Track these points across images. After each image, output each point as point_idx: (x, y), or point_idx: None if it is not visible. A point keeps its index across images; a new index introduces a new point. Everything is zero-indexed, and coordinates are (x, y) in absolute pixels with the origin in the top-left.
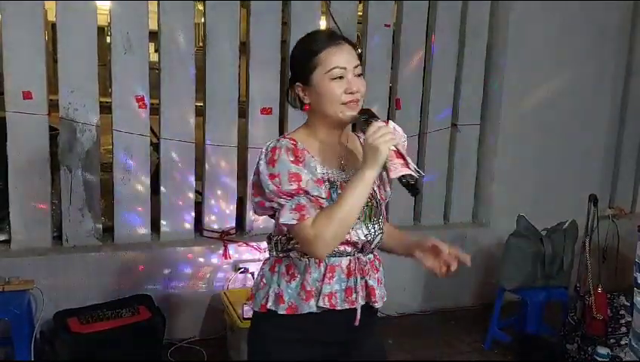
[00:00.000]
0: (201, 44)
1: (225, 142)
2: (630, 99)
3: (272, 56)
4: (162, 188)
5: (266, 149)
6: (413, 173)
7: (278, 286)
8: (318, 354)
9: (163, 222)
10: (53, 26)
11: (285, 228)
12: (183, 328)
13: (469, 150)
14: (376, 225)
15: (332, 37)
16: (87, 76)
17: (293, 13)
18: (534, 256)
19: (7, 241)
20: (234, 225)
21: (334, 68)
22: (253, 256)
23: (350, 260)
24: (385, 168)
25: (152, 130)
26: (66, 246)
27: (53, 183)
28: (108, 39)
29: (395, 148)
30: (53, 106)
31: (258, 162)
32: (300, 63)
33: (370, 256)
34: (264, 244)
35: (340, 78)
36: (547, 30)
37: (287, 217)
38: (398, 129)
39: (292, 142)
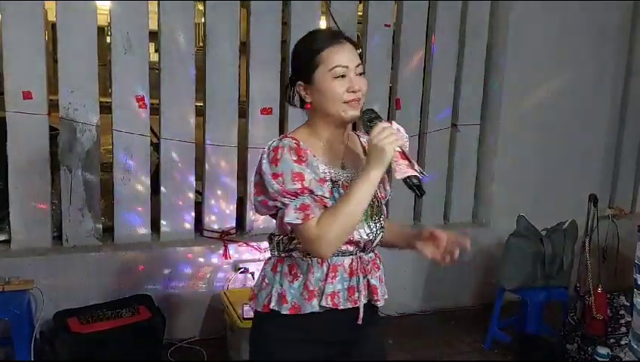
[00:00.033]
0: (201, 44)
1: (225, 142)
2: (630, 99)
3: (272, 56)
4: (162, 188)
5: (269, 148)
6: (418, 175)
7: (281, 286)
8: (321, 354)
9: (163, 222)
10: (53, 26)
11: (289, 228)
12: (183, 328)
13: (469, 150)
14: (377, 224)
15: (334, 35)
16: (87, 76)
17: (293, 13)
18: (534, 256)
19: (7, 241)
20: (234, 225)
21: (337, 66)
22: (253, 256)
23: (352, 259)
24: (388, 168)
25: (152, 130)
26: (66, 246)
27: (53, 183)
28: (108, 39)
29: (400, 150)
30: (53, 106)
31: (260, 161)
32: (302, 62)
33: (372, 254)
34: (264, 244)
35: (342, 76)
36: (547, 30)
37: (291, 217)
38: (401, 129)
39: (294, 141)
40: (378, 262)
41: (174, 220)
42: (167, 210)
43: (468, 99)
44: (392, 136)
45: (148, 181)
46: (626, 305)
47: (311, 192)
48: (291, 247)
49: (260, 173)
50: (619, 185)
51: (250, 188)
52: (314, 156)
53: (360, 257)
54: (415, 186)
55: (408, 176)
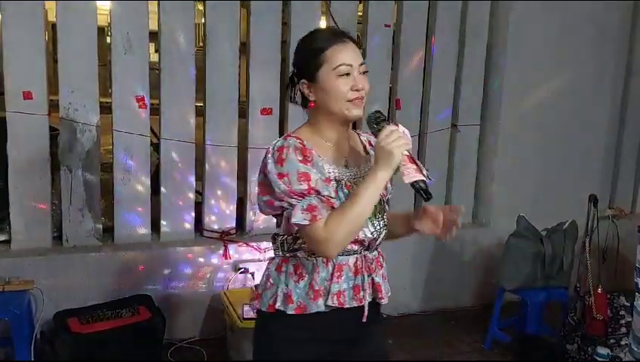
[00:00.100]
0: (201, 44)
1: (225, 142)
2: (630, 99)
3: (272, 56)
4: (162, 189)
5: (273, 148)
6: (425, 179)
7: (286, 286)
8: (327, 353)
9: (163, 222)
10: (54, 26)
11: (295, 228)
12: (183, 328)
13: (469, 150)
14: (381, 222)
15: (337, 34)
16: (88, 76)
17: (293, 13)
18: (534, 256)
19: (8, 241)
20: (234, 225)
21: (341, 65)
22: (253, 256)
23: (357, 258)
24: (396, 171)
25: (152, 130)
26: (66, 247)
27: (53, 183)
28: (108, 39)
29: (407, 153)
30: (54, 106)
31: (265, 161)
32: (306, 60)
33: (375, 252)
34: (264, 244)
35: (347, 75)
36: (547, 30)
37: (299, 218)
38: (407, 132)
39: (299, 141)
40: (381, 259)
41: (174, 220)
42: (167, 210)
43: (468, 99)
44: (401, 140)
45: (148, 181)
46: (626, 305)
47: (317, 193)
48: (296, 247)
49: (264, 172)
50: (619, 185)
51: (251, 189)
52: (318, 156)
53: (364, 256)
54: (422, 190)
55: (416, 181)
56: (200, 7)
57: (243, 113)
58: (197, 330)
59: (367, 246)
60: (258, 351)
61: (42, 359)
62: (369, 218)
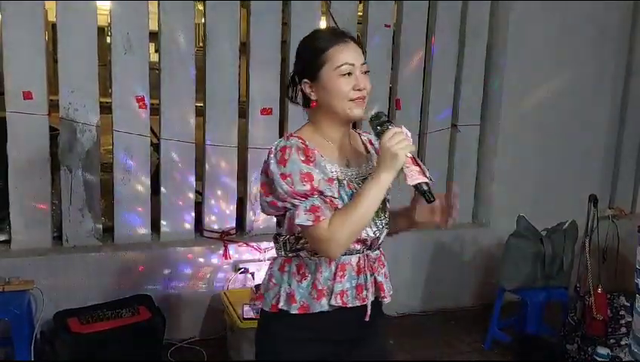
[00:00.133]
0: (201, 44)
1: (225, 142)
2: (630, 99)
3: (272, 57)
4: (162, 189)
5: (276, 148)
6: (429, 181)
7: (289, 285)
8: (330, 352)
9: (163, 222)
10: (54, 26)
11: (298, 229)
12: (183, 328)
13: (469, 150)
14: (383, 221)
15: (339, 34)
16: (88, 76)
17: (293, 14)
18: (534, 256)
19: (8, 241)
20: (234, 225)
21: (343, 64)
22: (253, 256)
23: (360, 257)
24: (400, 173)
25: (152, 130)
26: (66, 247)
27: (53, 183)
28: (108, 39)
29: (410, 155)
30: (54, 106)
31: (267, 161)
32: (308, 60)
33: (377, 251)
34: (264, 244)
35: (349, 74)
36: (547, 30)
37: (302, 218)
38: (409, 134)
39: (301, 141)
40: (383, 258)
41: (174, 220)
42: (167, 210)
43: (468, 99)
44: (405, 142)
45: (148, 181)
46: (626, 305)
47: (320, 193)
48: (298, 247)
49: (267, 173)
50: (619, 185)
51: (250, 189)
52: (321, 155)
53: (367, 255)
54: (426, 192)
55: (419, 183)
56: (200, 7)
57: (243, 113)
58: (197, 330)
59: (370, 245)
60: (260, 351)
61: (42, 359)
62: (371, 217)
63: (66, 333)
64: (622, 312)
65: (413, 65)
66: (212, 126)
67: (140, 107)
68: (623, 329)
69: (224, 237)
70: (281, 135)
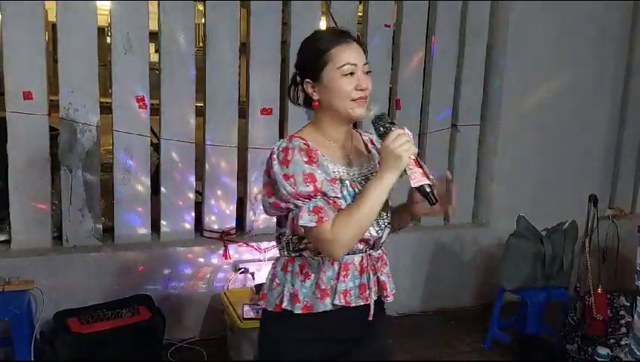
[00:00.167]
0: (201, 44)
1: (225, 142)
2: (630, 99)
3: (272, 57)
4: (162, 189)
5: (278, 149)
6: (432, 183)
7: (292, 285)
8: (333, 352)
9: (163, 222)
10: (54, 26)
11: (302, 230)
12: (183, 328)
13: (469, 150)
14: (385, 220)
15: (341, 35)
16: (88, 76)
17: (293, 14)
18: (534, 256)
19: (8, 241)
20: (234, 225)
21: (345, 64)
22: (253, 256)
23: (362, 257)
24: (403, 175)
25: (152, 130)
26: (66, 247)
27: (53, 183)
28: (108, 39)
29: (414, 157)
30: (54, 106)
31: (269, 163)
32: (311, 60)
33: (379, 251)
34: (264, 244)
35: (351, 74)
36: (547, 30)
37: (305, 220)
38: (411, 135)
39: (303, 142)
40: (385, 258)
41: (174, 220)
42: (167, 210)
43: (468, 99)
44: (408, 144)
45: (148, 181)
46: (626, 305)
47: (323, 194)
48: (301, 247)
49: (269, 174)
50: (619, 185)
51: (250, 189)
52: (323, 155)
53: (370, 254)
54: (429, 194)
55: (422, 185)
56: (200, 7)
57: (243, 113)
58: (197, 330)
59: (373, 245)
60: (263, 351)
61: (42, 359)
62: None
63: (66, 333)
64: (622, 312)
65: (413, 65)
66: (212, 126)
67: (140, 107)
68: (623, 329)
69: (224, 237)
70: (281, 135)
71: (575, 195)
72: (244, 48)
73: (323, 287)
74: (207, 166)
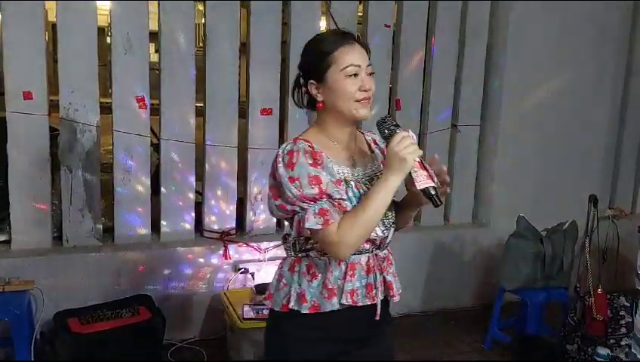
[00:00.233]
0: (201, 44)
1: (225, 142)
2: (630, 99)
3: (272, 57)
4: (162, 189)
5: (283, 152)
6: (436, 186)
7: (300, 285)
8: (340, 351)
9: (163, 222)
10: (54, 26)
11: (308, 232)
12: (183, 328)
13: (469, 150)
14: (391, 220)
15: (345, 36)
16: (88, 76)
17: (293, 14)
18: (534, 256)
19: (8, 241)
20: (234, 225)
21: (349, 66)
22: (253, 256)
23: (369, 257)
24: (407, 177)
25: (152, 130)
26: (66, 247)
27: (53, 183)
28: (108, 39)
29: (418, 159)
30: (54, 106)
31: (275, 165)
32: (315, 62)
33: (385, 251)
34: (264, 245)
35: (355, 75)
36: (547, 30)
37: (311, 222)
38: (415, 137)
39: (308, 144)
40: (391, 257)
41: (174, 221)
42: (167, 210)
43: (468, 99)
44: (413, 146)
45: (148, 181)
46: (626, 305)
47: (329, 196)
48: (308, 247)
49: (275, 176)
50: (619, 185)
51: (251, 189)
52: (327, 157)
53: (376, 254)
54: (433, 196)
55: (427, 187)
56: (200, 7)
57: (243, 113)
58: (197, 330)
59: (379, 244)
60: (270, 351)
61: (42, 359)
62: None
63: (66, 333)
64: (622, 312)
65: (413, 65)
66: (212, 126)
67: (140, 107)
68: (623, 330)
69: (224, 238)
70: (281, 135)
71: (575, 195)
72: (244, 48)
73: (330, 287)
74: (207, 166)
